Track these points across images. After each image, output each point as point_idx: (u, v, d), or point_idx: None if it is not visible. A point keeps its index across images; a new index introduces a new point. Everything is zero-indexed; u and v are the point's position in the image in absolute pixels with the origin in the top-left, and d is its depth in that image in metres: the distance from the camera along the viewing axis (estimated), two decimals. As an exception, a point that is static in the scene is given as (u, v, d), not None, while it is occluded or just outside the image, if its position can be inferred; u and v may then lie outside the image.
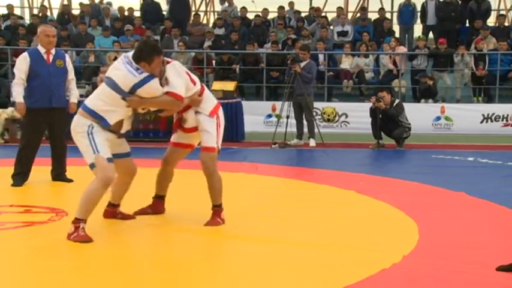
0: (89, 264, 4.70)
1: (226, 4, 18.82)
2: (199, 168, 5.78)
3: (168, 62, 5.40)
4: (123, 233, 5.59)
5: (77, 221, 5.14)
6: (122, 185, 5.74)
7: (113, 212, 5.89)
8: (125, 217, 5.92)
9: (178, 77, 5.35)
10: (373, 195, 7.17)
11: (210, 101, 5.72)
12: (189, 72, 5.61)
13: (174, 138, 5.91)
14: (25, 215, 6.20)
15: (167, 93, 5.25)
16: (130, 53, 5.26)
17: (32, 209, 6.43)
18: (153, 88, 5.19)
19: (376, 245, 5.25)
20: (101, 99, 5.23)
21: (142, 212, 6.04)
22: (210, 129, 5.65)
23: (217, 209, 5.82)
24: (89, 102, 5.29)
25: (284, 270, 4.55)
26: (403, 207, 6.56)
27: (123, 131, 5.43)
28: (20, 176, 7.52)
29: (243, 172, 8.96)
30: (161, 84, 5.25)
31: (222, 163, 9.79)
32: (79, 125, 5.22)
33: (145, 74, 5.14)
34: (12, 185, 7.39)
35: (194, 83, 5.55)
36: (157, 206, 6.09)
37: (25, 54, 7.55)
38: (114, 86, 5.14)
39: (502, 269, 4.46)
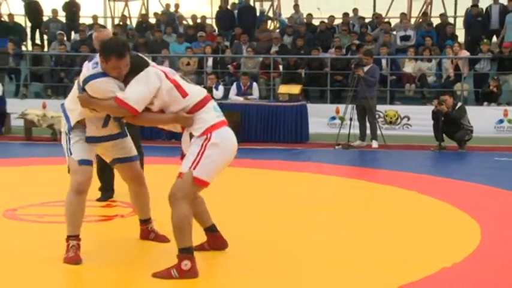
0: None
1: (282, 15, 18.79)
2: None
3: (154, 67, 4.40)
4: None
5: (67, 239, 4.52)
6: (133, 196, 5.02)
7: (144, 230, 5.08)
8: (158, 238, 5.03)
9: (140, 84, 4.26)
10: (435, 196, 7.04)
11: (206, 121, 4.28)
12: (179, 82, 4.35)
13: None
14: (106, 209, 6.36)
15: (114, 98, 4.25)
16: None
17: (112, 203, 6.57)
18: (97, 87, 4.29)
19: (437, 244, 5.16)
20: (71, 96, 4.61)
21: (200, 248, 4.71)
22: (190, 152, 4.26)
23: (179, 255, 4.20)
24: (66, 100, 4.71)
25: (353, 268, 4.53)
26: (465, 208, 6.41)
27: (92, 133, 4.57)
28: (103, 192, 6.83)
29: (308, 172, 8.95)
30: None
31: (287, 163, 9.95)
32: (62, 125, 4.70)
33: (97, 70, 4.33)
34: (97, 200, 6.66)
35: (185, 95, 4.28)
36: (212, 239, 4.81)
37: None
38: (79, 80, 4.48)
39: None
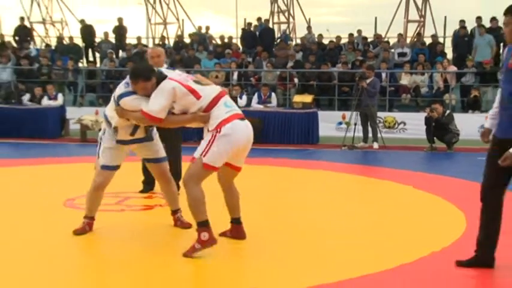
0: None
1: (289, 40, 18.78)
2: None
3: (170, 79, 4.38)
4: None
5: (83, 218, 4.91)
6: (162, 191, 5.20)
7: (174, 218, 5.15)
8: (183, 225, 5.08)
9: (158, 96, 4.32)
10: (427, 190, 7.00)
11: (217, 117, 4.26)
12: (193, 87, 4.34)
13: None
14: (148, 200, 6.40)
15: (141, 111, 4.40)
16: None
17: (152, 195, 6.60)
18: (127, 104, 4.49)
19: (428, 231, 5.14)
20: (110, 106, 4.75)
21: (223, 234, 4.73)
22: (202, 142, 4.30)
23: (197, 228, 4.27)
24: (106, 109, 4.85)
25: (355, 250, 4.53)
26: (452, 200, 6.37)
27: (122, 137, 4.71)
28: (145, 185, 6.71)
29: (318, 169, 8.94)
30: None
31: (301, 161, 9.94)
32: (102, 129, 4.91)
33: (128, 89, 4.53)
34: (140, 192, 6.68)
35: (198, 97, 4.30)
36: (234, 230, 4.75)
37: None
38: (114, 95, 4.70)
39: (460, 264, 4.06)
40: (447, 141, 11.41)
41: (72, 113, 13.96)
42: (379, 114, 13.22)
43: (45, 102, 14.05)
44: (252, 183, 7.13)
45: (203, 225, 4.22)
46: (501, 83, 4.00)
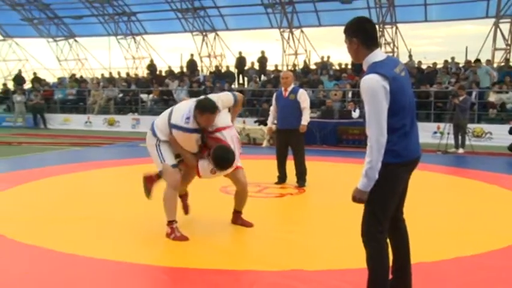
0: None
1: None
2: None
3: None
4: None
5: (169, 223, 4.08)
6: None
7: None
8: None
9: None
10: (511, 189, 6.41)
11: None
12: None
13: None
14: (281, 190, 6.47)
15: (197, 163, 4.09)
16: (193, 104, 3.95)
17: (285, 186, 6.64)
18: (176, 136, 4.02)
19: (509, 225, 4.71)
20: (163, 118, 4.20)
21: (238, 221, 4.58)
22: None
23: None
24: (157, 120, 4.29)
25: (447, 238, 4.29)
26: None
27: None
28: (279, 178, 6.70)
29: (418, 170, 8.52)
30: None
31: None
32: (148, 138, 4.17)
33: (185, 125, 3.95)
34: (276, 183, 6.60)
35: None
36: (234, 218, 4.57)
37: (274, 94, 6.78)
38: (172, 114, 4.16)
39: None
40: (518, 150, 10.42)
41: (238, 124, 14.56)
42: (469, 126, 12.32)
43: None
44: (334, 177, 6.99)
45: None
46: None
